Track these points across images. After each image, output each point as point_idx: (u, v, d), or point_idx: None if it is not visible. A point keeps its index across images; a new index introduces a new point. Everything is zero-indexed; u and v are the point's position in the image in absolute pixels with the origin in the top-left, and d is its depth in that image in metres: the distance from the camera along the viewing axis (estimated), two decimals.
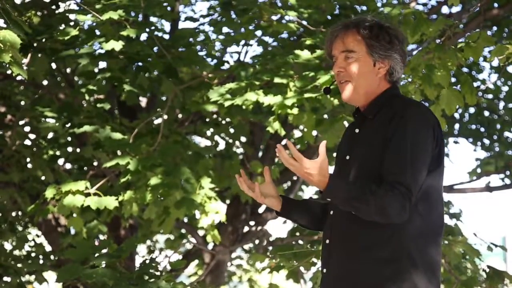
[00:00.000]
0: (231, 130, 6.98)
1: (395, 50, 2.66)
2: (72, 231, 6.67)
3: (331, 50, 2.73)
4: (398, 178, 2.49)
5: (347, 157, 2.69)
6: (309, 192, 10.01)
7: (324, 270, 2.69)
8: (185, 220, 7.08)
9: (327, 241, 2.69)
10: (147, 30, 5.26)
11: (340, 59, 2.68)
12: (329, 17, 5.62)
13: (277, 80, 4.61)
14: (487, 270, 4.42)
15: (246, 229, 7.27)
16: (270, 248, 7.10)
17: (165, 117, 5.52)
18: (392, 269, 2.52)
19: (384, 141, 2.56)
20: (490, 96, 8.82)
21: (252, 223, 7.34)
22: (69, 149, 6.55)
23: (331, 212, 2.71)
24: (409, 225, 2.53)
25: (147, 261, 4.05)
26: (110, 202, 4.76)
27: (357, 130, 2.72)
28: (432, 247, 2.59)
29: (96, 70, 5.64)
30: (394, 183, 2.49)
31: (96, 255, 4.05)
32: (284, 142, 6.84)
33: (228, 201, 7.32)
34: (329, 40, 2.73)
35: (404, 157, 2.51)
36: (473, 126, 9.01)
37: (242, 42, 6.10)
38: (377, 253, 2.54)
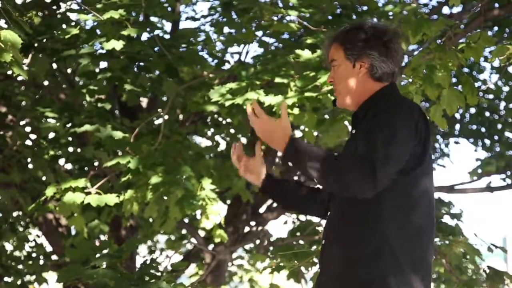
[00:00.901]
0: (232, 130, 6.98)
1: (370, 46, 2.70)
2: (73, 232, 6.67)
3: None
4: (357, 151, 2.50)
5: None
6: None
7: (319, 269, 2.74)
8: (186, 220, 7.08)
9: (323, 241, 2.73)
10: (148, 29, 5.26)
11: (332, 71, 2.79)
12: (330, 17, 5.61)
13: (277, 80, 4.61)
14: (487, 270, 4.42)
15: (246, 229, 7.27)
16: (271, 248, 7.10)
17: (166, 117, 5.52)
18: (375, 265, 2.54)
19: None
20: (491, 96, 8.82)
21: (252, 223, 7.34)
22: (70, 149, 6.55)
23: (329, 213, 2.75)
24: (391, 222, 2.55)
25: (148, 262, 4.05)
26: (111, 199, 4.77)
27: (353, 131, 2.74)
28: (418, 245, 2.59)
29: (97, 70, 5.64)
30: (355, 153, 2.49)
31: (97, 255, 4.05)
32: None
33: (228, 202, 7.32)
34: (325, 51, 2.84)
35: (368, 136, 2.52)
36: (474, 127, 9.01)
37: (243, 42, 6.10)
38: (361, 250, 2.56)
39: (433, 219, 2.68)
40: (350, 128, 2.89)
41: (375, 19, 5.49)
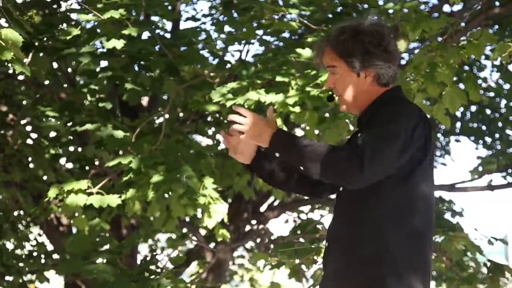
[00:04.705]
0: None
1: (373, 56, 2.64)
2: (74, 230, 6.67)
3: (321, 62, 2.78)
4: (355, 144, 2.51)
5: None
6: None
7: (323, 272, 2.72)
8: (187, 219, 7.09)
9: (326, 244, 2.71)
10: (149, 29, 5.26)
11: (329, 75, 2.73)
12: (330, 16, 5.61)
13: (278, 78, 4.61)
14: (488, 264, 4.40)
15: (247, 227, 7.28)
16: (272, 246, 7.10)
17: (167, 116, 5.52)
18: (376, 268, 2.53)
19: None
20: (491, 94, 8.81)
21: (253, 221, 7.35)
22: (71, 148, 6.55)
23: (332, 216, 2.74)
24: (390, 224, 2.54)
25: (148, 258, 4.05)
26: (113, 200, 4.77)
27: (359, 135, 2.71)
28: (417, 247, 2.59)
29: (97, 69, 5.65)
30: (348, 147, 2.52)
31: (97, 251, 4.05)
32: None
33: (229, 200, 7.32)
34: (317, 55, 2.76)
35: (367, 134, 2.51)
36: (475, 125, 9.00)
37: (244, 41, 6.10)
38: (361, 251, 2.55)
39: (432, 222, 2.67)
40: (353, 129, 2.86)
41: (375, 17, 5.47)
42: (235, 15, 5.93)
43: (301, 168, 2.55)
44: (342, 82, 2.67)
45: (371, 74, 2.66)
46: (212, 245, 7.06)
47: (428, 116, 4.04)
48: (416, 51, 4.03)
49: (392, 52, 2.68)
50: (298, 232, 6.46)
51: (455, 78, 5.53)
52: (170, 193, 4.84)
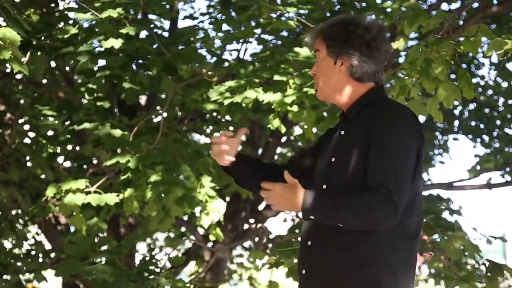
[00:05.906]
0: (231, 128, 6.99)
1: (351, 46, 2.65)
2: (72, 229, 6.68)
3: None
4: (379, 181, 2.47)
5: (333, 159, 2.66)
6: None
7: (303, 271, 2.66)
8: (185, 218, 7.09)
9: (309, 243, 2.66)
10: (146, 28, 5.26)
11: (316, 63, 2.78)
12: (328, 14, 5.62)
13: (276, 77, 4.61)
14: (487, 264, 4.40)
15: (245, 226, 7.28)
16: (270, 245, 7.11)
17: (165, 115, 5.52)
18: (368, 272, 2.52)
19: (366, 145, 2.55)
20: (490, 92, 8.82)
21: (252, 220, 7.35)
22: (69, 147, 6.55)
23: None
24: (386, 228, 2.52)
25: (147, 258, 4.05)
26: (111, 198, 4.77)
27: (342, 132, 2.70)
28: (409, 251, 2.59)
29: (95, 68, 5.65)
30: (375, 186, 2.47)
31: (96, 252, 4.05)
32: None
33: (227, 199, 7.33)
34: (312, 41, 2.80)
35: (386, 161, 2.50)
36: (473, 123, 9.01)
37: (242, 39, 6.11)
38: (354, 255, 2.53)
39: (422, 221, 2.68)
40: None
41: (373, 16, 5.49)
42: (233, 13, 5.93)
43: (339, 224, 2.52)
44: (321, 68, 2.72)
45: (346, 64, 2.66)
46: (210, 244, 7.06)
47: (424, 114, 4.05)
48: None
49: (372, 48, 2.66)
50: (297, 231, 6.45)
51: (453, 76, 5.53)
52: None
